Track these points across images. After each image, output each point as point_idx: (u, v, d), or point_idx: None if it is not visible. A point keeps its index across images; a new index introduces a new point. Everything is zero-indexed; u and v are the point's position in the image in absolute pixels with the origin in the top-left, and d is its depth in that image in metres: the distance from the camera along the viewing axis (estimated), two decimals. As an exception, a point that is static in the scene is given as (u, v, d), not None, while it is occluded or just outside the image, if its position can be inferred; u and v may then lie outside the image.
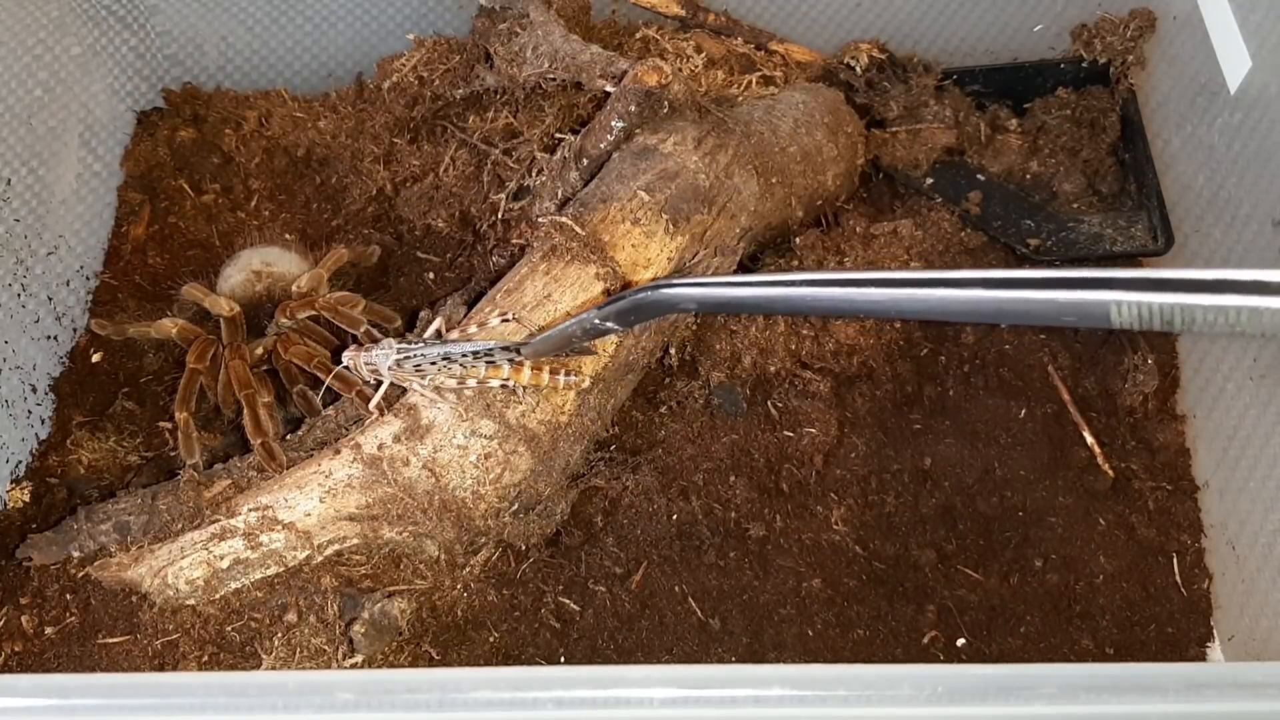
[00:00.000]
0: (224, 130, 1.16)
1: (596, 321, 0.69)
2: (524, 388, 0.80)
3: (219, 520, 0.80)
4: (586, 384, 0.78)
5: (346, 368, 0.83)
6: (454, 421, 0.81)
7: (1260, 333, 0.45)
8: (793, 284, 0.57)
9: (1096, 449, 0.97)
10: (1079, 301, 0.47)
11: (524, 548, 0.86)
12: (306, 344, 0.90)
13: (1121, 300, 0.46)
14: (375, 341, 0.83)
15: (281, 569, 0.81)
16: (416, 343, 0.80)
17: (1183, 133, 1.07)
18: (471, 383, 0.78)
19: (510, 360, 0.76)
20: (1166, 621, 0.91)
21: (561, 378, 0.80)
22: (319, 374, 0.86)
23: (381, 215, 1.11)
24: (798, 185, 1.02)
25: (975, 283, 0.50)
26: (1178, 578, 0.93)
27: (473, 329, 0.83)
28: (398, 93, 1.11)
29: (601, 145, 0.94)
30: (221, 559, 0.80)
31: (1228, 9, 1.00)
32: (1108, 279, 0.47)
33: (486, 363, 0.76)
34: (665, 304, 0.64)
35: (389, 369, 0.79)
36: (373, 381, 0.82)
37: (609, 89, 0.94)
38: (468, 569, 0.84)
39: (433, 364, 0.77)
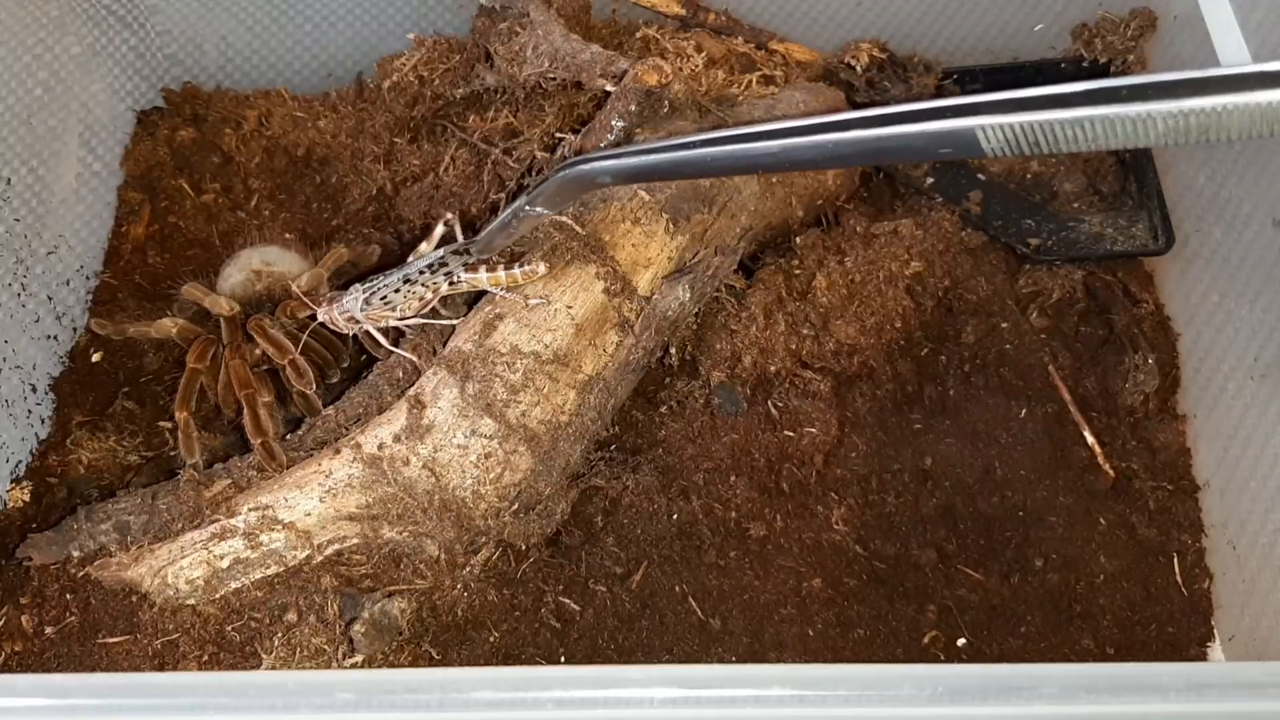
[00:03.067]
0: (224, 130, 1.16)
1: (527, 208, 0.71)
2: (496, 291, 0.80)
3: (219, 520, 0.80)
4: (543, 270, 0.78)
5: (323, 324, 0.85)
6: (455, 421, 0.81)
7: (1121, 144, 0.46)
8: (694, 145, 0.60)
9: (1097, 449, 0.97)
10: (949, 130, 0.50)
11: (524, 547, 0.86)
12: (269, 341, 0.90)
13: (987, 124, 0.48)
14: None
15: (281, 569, 0.81)
16: (375, 277, 0.80)
17: (1183, 132, 1.07)
18: (435, 286, 0.78)
19: (464, 264, 0.77)
20: (1167, 621, 0.91)
21: (518, 269, 0.80)
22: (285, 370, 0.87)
23: (381, 214, 1.11)
24: (798, 185, 1.02)
25: (857, 123, 0.53)
26: (1178, 577, 0.93)
27: (422, 246, 0.84)
28: (398, 92, 1.11)
29: (602, 145, 0.94)
30: (221, 559, 0.80)
31: (1228, 9, 1.00)
32: (973, 105, 0.49)
33: (444, 274, 0.77)
34: (584, 179, 0.67)
35: (361, 311, 0.80)
36: (349, 332, 0.82)
37: (609, 88, 0.94)
38: (468, 569, 0.84)
39: (396, 291, 0.78)
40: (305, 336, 0.93)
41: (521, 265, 0.80)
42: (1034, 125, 0.47)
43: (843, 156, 0.56)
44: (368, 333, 0.83)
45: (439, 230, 0.85)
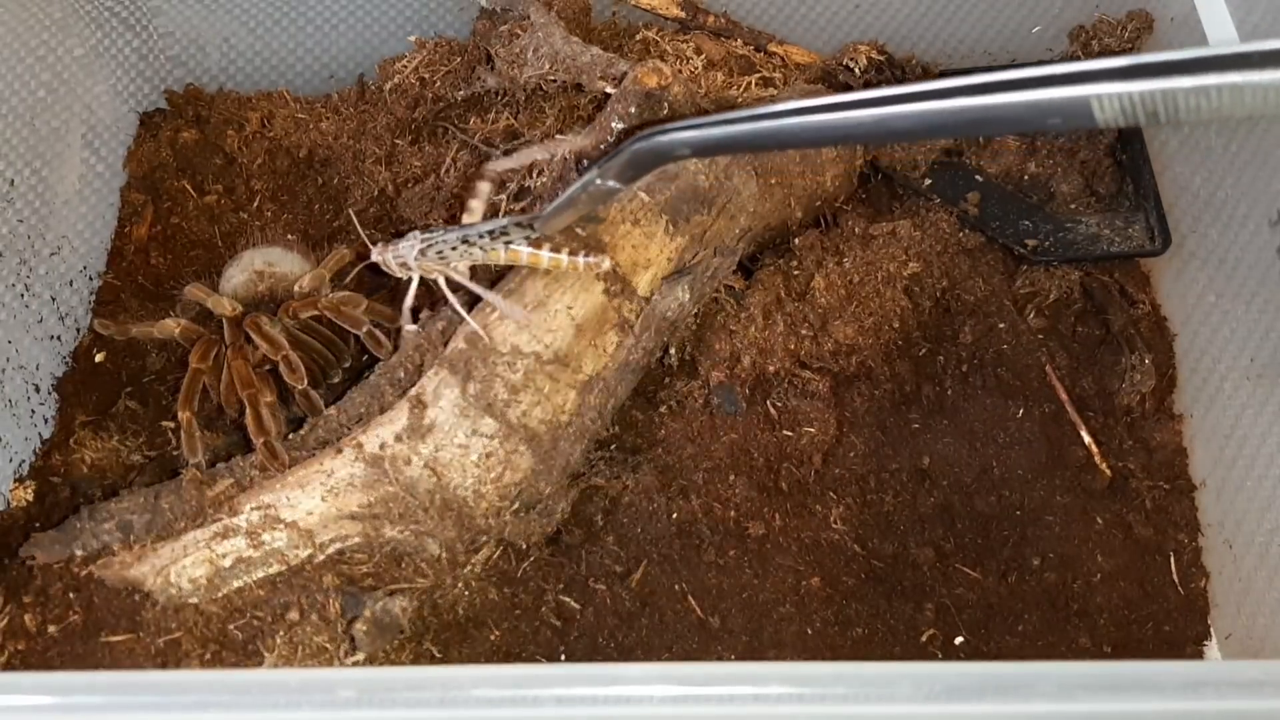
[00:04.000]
0: (226, 131, 1.16)
1: (599, 182, 0.67)
2: (547, 272, 0.78)
3: (221, 519, 0.80)
4: (606, 265, 0.75)
5: (376, 263, 0.84)
6: (456, 420, 0.81)
7: (1246, 114, 0.43)
8: (781, 114, 0.56)
9: (1094, 448, 0.97)
10: (1061, 99, 0.46)
11: (525, 546, 0.87)
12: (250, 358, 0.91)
13: (1102, 93, 0.45)
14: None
15: (284, 567, 0.81)
16: (436, 229, 0.79)
17: (1180, 133, 1.07)
18: (492, 251, 0.76)
19: (526, 237, 0.74)
20: (1164, 620, 0.91)
21: (581, 259, 0.78)
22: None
23: (383, 216, 1.11)
24: (796, 186, 1.02)
25: (959, 90, 0.49)
26: (1175, 576, 0.93)
27: (473, 204, 0.83)
28: (399, 94, 1.12)
29: (602, 147, 0.94)
30: (224, 557, 0.80)
31: (1225, 11, 1.01)
32: (1088, 71, 0.46)
33: (505, 243, 0.75)
34: (661, 151, 0.63)
35: (414, 260, 0.79)
36: (401, 277, 0.81)
37: (609, 90, 0.94)
38: (469, 567, 0.85)
39: (453, 249, 0.76)
40: (304, 335, 0.94)
41: (588, 255, 0.77)
42: (1155, 94, 0.43)
43: (942, 126, 0.51)
44: (396, 280, 0.82)
45: (485, 189, 0.83)
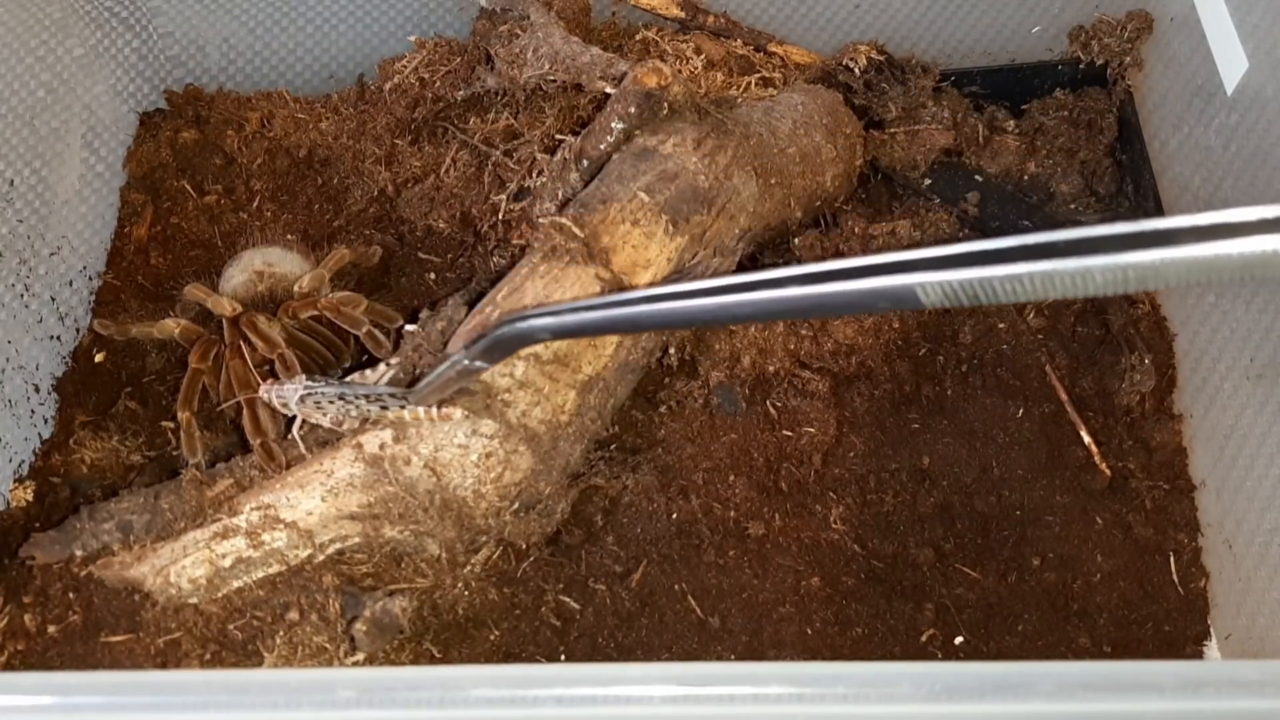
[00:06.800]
0: (226, 131, 1.16)
1: (466, 362, 0.73)
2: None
3: (221, 519, 0.80)
4: (458, 415, 0.81)
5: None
6: (455, 420, 0.81)
7: (1060, 295, 0.46)
8: (632, 301, 0.60)
9: (1094, 448, 0.97)
10: (888, 287, 0.50)
11: (524, 546, 0.87)
12: (246, 365, 0.91)
13: (925, 281, 0.48)
14: (289, 375, 0.87)
15: (283, 567, 0.81)
16: (320, 380, 0.84)
17: (1179, 134, 1.07)
18: (365, 412, 0.82)
19: (400, 405, 0.80)
20: (1163, 620, 0.91)
21: (436, 412, 0.82)
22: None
23: (383, 216, 1.11)
24: (796, 186, 1.02)
25: (795, 279, 0.53)
26: (1175, 576, 0.93)
27: (368, 373, 0.88)
28: (399, 94, 1.12)
29: (601, 146, 0.94)
30: (224, 557, 0.80)
31: (1224, 11, 1.01)
32: (911, 261, 0.49)
33: (379, 406, 0.80)
34: (523, 336, 0.67)
35: (295, 403, 0.83)
36: (284, 412, 0.86)
37: (609, 90, 0.94)
38: (469, 567, 0.85)
39: (331, 403, 0.82)
40: (304, 335, 0.94)
41: (441, 408, 0.83)
42: (971, 282, 0.47)
43: (781, 312, 0.56)
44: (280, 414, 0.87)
45: (382, 368, 0.89)
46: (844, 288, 0.51)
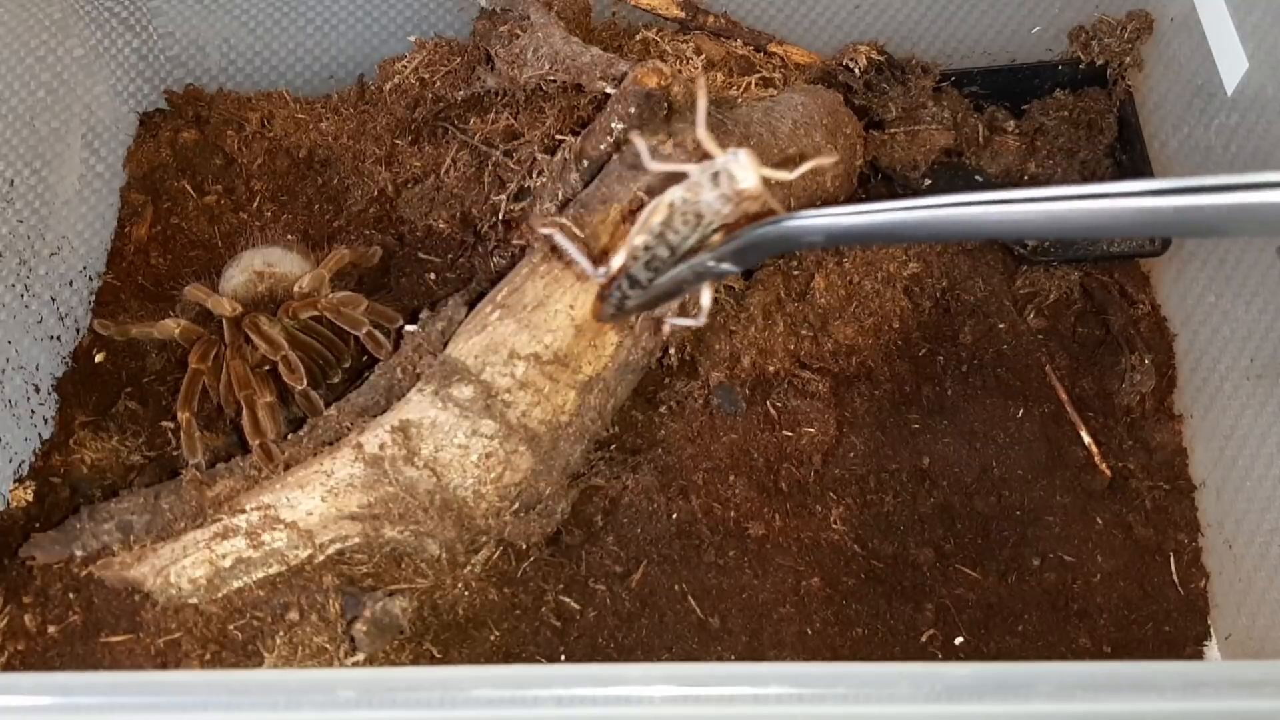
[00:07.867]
0: (226, 131, 1.16)
1: (710, 264, 0.66)
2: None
3: (221, 519, 0.81)
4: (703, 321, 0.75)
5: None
6: (455, 421, 0.81)
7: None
8: (927, 207, 0.53)
9: (1094, 448, 0.97)
10: (1257, 204, 0.45)
11: (525, 547, 0.87)
12: (246, 366, 0.91)
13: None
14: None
15: (283, 568, 0.81)
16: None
17: (1180, 134, 1.07)
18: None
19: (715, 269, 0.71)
20: (1164, 620, 0.91)
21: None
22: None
23: (383, 216, 1.11)
24: (796, 186, 1.02)
25: (1135, 193, 0.47)
26: (1175, 576, 0.93)
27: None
28: (399, 94, 1.12)
29: (601, 147, 0.94)
30: (224, 558, 0.80)
31: (1224, 11, 1.01)
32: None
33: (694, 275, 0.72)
34: (789, 238, 0.60)
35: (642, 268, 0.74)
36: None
37: (609, 91, 0.94)
38: (469, 568, 0.85)
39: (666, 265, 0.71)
40: (304, 336, 0.94)
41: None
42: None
43: (1113, 227, 0.50)
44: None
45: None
46: (1201, 202, 0.45)
